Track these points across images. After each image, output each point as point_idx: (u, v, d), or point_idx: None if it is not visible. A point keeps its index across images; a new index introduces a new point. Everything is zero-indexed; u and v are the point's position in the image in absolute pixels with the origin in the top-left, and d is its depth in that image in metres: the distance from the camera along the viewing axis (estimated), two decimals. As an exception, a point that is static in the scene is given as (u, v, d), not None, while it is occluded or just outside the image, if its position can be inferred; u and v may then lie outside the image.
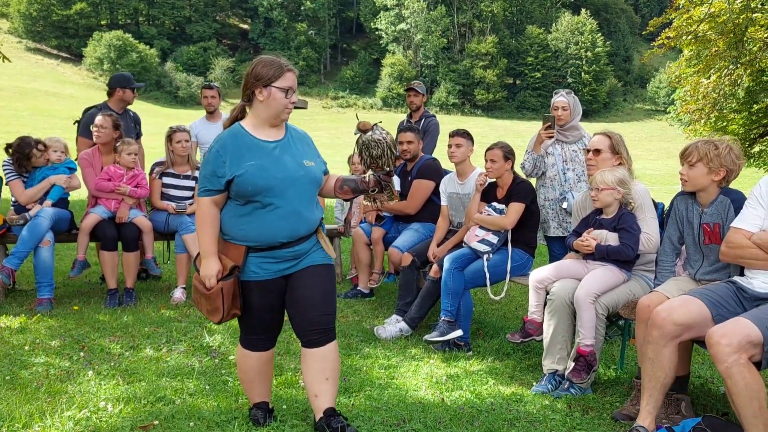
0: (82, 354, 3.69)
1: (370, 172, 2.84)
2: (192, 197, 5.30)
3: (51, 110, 38.60)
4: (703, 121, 14.42)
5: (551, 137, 4.62)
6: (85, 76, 64.18)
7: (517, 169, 4.49)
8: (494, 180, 4.38)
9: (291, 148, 2.68)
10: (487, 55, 73.17)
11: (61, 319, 4.38)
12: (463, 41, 76.94)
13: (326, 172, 2.82)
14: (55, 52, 68.36)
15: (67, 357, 3.63)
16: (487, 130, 54.44)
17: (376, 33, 77.04)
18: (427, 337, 4.05)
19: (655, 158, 44.55)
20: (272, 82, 2.58)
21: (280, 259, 2.65)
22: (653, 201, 3.89)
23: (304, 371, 2.71)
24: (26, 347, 3.74)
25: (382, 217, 5.37)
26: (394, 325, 4.31)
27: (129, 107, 5.79)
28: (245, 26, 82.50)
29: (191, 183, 5.29)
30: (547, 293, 3.58)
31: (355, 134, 2.85)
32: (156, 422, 2.80)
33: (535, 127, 4.89)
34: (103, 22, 71.45)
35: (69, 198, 5.28)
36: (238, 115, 2.71)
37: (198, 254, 2.71)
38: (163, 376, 3.38)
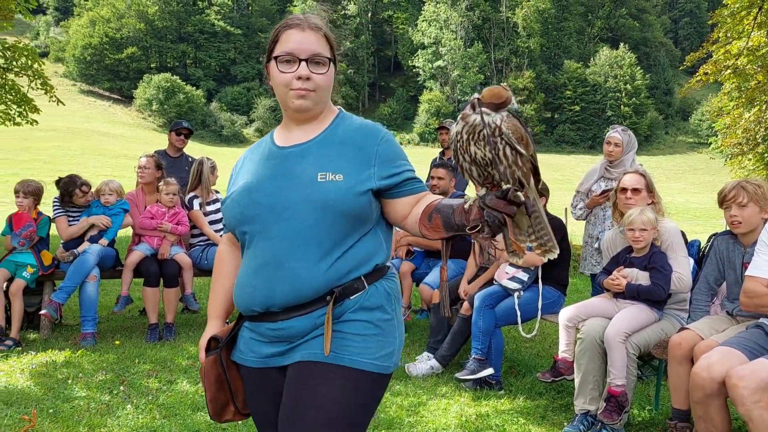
0: (122, 388, 3.82)
1: (477, 194, 1.51)
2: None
3: (101, 149, 40.14)
4: (750, 155, 14.13)
5: (606, 201, 4.63)
6: (134, 116, 66.73)
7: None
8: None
9: (312, 155, 1.65)
10: (524, 90, 73.34)
11: (103, 353, 4.54)
12: (500, 77, 77.37)
13: (412, 191, 1.67)
14: (107, 93, 71.36)
15: (108, 391, 3.76)
16: (525, 164, 54.08)
17: (414, 70, 78.12)
18: (458, 375, 4.06)
19: (700, 191, 43.55)
20: (271, 53, 1.68)
21: (264, 339, 1.68)
22: (686, 239, 3.87)
23: None
24: (69, 381, 3.88)
25: (413, 252, 5.43)
26: (425, 363, 4.32)
27: (188, 153, 6.32)
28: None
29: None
30: (578, 332, 3.58)
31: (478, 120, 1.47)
32: (189, 456, 2.88)
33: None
34: (152, 65, 74.41)
35: (116, 236, 5.51)
36: None
37: None
38: (198, 410, 3.47)
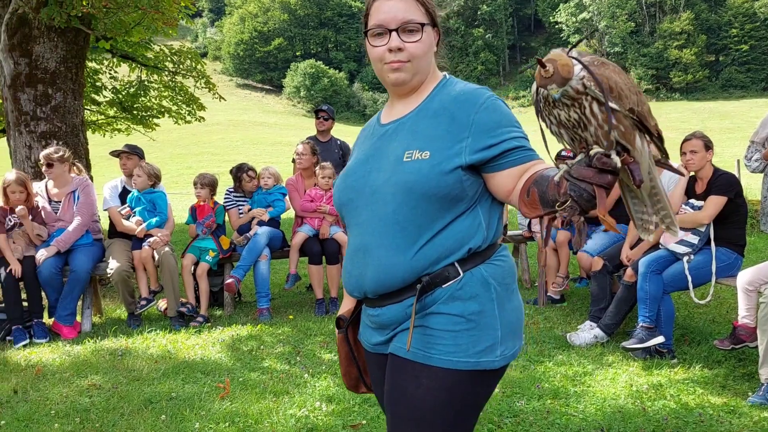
0: (298, 358, 4.15)
1: (570, 163, 1.27)
2: None
3: (258, 138, 43.13)
4: None
5: None
6: (285, 104, 70.75)
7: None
8: (693, 174, 4.12)
9: (405, 131, 1.53)
10: (682, 33, 67.07)
11: (279, 326, 4.95)
12: (653, 22, 71.36)
13: (517, 161, 1.43)
14: (259, 85, 76.29)
15: (287, 361, 4.11)
16: (687, 114, 49.82)
17: (556, 27, 74.47)
18: (625, 344, 3.91)
19: None
20: (366, 28, 1.56)
21: (370, 324, 1.63)
22: None
23: None
24: (253, 352, 4.30)
25: (569, 221, 5.26)
26: (588, 332, 4.21)
27: (338, 137, 6.67)
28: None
29: None
30: (760, 295, 3.29)
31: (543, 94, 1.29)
32: (364, 422, 3.08)
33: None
34: (297, 53, 78.18)
35: (280, 219, 5.96)
36: None
37: None
38: (367, 379, 3.69)
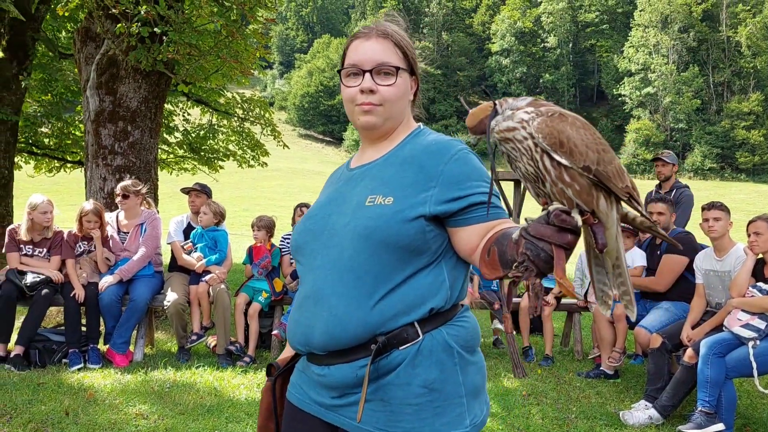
0: (341, 409, 4.11)
1: (529, 220, 1.17)
2: None
3: (315, 187, 43.98)
4: None
5: None
6: (343, 156, 72.24)
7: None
8: (761, 256, 3.99)
9: (371, 177, 1.47)
10: (750, 114, 65.73)
11: (323, 375, 4.94)
12: (720, 101, 70.33)
13: (484, 217, 1.36)
14: (320, 136, 78.42)
15: (329, 410, 4.08)
16: (753, 196, 48.23)
17: (619, 99, 74.27)
18: (682, 427, 3.73)
19: None
20: (341, 67, 1.51)
21: (312, 382, 1.47)
22: None
23: None
24: (297, 398, 4.29)
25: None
26: (642, 411, 4.04)
27: None
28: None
29: None
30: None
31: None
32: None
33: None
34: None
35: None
36: None
37: None
38: None
